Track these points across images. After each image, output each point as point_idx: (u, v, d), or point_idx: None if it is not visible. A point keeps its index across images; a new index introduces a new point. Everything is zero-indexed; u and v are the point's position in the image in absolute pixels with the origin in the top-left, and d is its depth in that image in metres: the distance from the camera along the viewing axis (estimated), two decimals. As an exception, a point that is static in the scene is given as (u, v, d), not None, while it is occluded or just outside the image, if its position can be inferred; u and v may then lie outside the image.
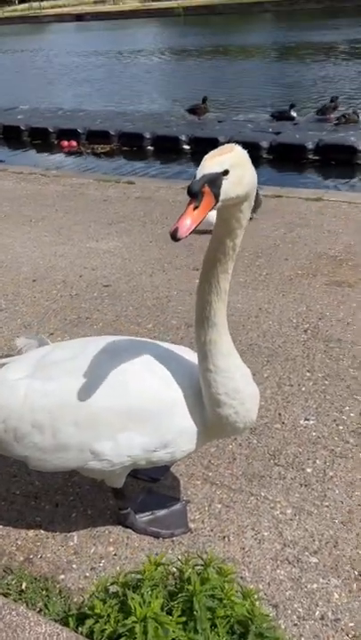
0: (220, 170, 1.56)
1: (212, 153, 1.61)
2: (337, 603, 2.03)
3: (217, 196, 1.57)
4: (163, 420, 2.04)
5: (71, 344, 2.30)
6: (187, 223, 1.51)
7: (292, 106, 11.04)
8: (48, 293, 4.56)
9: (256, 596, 1.96)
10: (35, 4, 68.36)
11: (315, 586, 2.10)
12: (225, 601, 1.73)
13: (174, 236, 1.51)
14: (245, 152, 1.66)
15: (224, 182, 1.57)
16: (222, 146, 1.64)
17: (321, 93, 14.60)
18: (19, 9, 71.48)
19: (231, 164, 1.58)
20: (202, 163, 1.58)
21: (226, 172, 1.57)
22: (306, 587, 2.10)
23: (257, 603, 1.88)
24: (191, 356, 2.18)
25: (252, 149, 9.74)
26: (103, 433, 2.02)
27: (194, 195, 1.53)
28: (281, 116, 10.83)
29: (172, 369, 2.11)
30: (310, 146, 9.09)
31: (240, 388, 2.02)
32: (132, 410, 2.02)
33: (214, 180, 1.55)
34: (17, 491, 2.61)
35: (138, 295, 4.45)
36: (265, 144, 9.32)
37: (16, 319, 4.16)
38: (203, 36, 32.29)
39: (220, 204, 1.60)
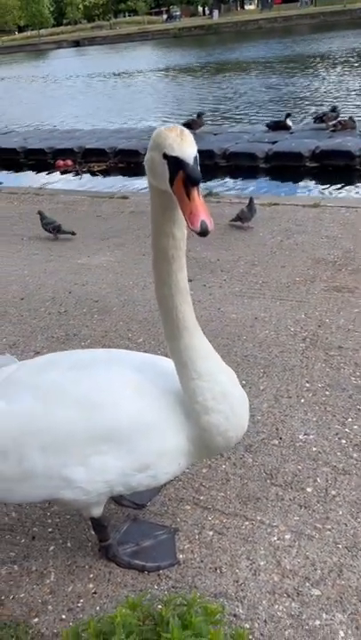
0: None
1: (178, 134, 1.51)
2: (343, 642, 1.80)
3: None
4: (139, 441, 1.85)
5: (37, 361, 2.11)
6: (207, 213, 1.43)
7: (287, 115, 10.94)
8: (36, 311, 4.38)
9: (251, 637, 1.73)
10: (33, 32, 69.63)
11: (317, 623, 1.86)
12: (210, 648, 1.50)
13: (206, 231, 1.41)
14: None
15: None
16: (169, 126, 1.56)
17: (315, 103, 14.55)
18: (18, 38, 72.88)
19: None
20: (183, 147, 1.49)
21: None
22: (307, 624, 1.86)
23: (250, 646, 1.65)
24: (169, 365, 1.97)
25: (249, 159, 9.52)
26: (74, 457, 1.82)
27: (198, 182, 1.45)
28: (277, 125, 10.71)
29: (148, 381, 1.92)
30: (307, 153, 8.94)
31: (228, 391, 1.86)
32: (104, 431, 1.83)
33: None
34: (-9, 523, 2.40)
35: (129, 309, 4.26)
36: (261, 154, 9.17)
37: (1, 339, 3.98)
38: (199, 54, 32.64)
39: None
